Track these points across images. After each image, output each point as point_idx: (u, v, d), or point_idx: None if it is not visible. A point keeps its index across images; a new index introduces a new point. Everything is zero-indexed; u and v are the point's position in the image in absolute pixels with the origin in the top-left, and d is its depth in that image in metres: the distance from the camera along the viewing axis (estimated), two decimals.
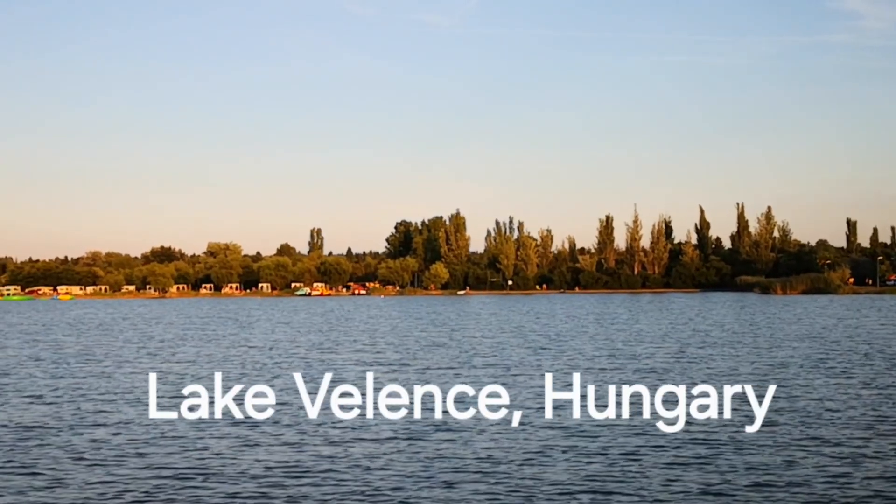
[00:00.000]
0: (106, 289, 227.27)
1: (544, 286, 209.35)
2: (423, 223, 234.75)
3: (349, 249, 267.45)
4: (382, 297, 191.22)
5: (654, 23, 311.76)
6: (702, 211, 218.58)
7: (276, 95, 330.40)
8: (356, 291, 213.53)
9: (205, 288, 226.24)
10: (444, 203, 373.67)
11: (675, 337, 50.34)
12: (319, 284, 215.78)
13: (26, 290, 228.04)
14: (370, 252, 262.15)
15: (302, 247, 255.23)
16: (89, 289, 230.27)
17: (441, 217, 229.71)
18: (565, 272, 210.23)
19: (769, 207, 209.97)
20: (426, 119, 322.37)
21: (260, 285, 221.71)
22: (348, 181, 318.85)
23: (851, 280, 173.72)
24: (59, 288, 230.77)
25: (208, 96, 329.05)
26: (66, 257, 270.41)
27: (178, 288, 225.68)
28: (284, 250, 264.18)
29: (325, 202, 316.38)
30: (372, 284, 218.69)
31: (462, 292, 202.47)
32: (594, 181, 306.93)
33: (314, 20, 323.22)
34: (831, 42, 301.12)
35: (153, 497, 15.11)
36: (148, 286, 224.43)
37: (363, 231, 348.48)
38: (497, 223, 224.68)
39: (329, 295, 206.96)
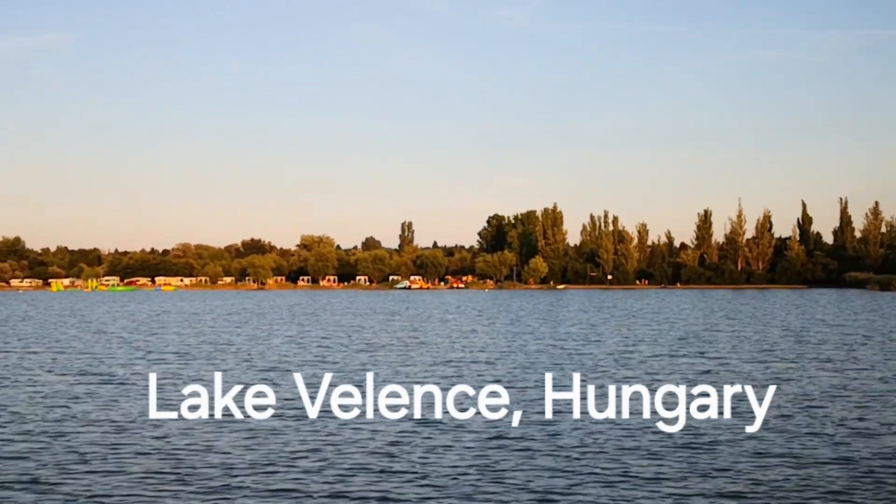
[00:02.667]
0: (206, 280, 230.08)
1: (644, 281, 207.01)
2: (515, 217, 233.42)
3: (434, 243, 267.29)
4: (486, 290, 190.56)
5: (733, 15, 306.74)
6: (804, 205, 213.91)
7: (357, 92, 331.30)
8: (454, 285, 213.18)
9: (302, 280, 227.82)
10: (531, 197, 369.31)
11: None
12: (417, 278, 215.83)
13: (125, 281, 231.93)
14: (456, 245, 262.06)
15: (387, 240, 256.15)
16: (187, 280, 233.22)
17: (534, 211, 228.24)
18: (666, 267, 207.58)
19: (876, 203, 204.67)
20: (508, 114, 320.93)
21: (357, 278, 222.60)
22: (434, 176, 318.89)
23: None
24: (156, 279, 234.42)
25: (290, 93, 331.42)
26: (152, 249, 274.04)
27: (274, 280, 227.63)
28: (370, 244, 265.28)
29: (411, 196, 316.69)
30: (469, 278, 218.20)
31: (561, 287, 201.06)
32: (685, 176, 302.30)
33: (387, 18, 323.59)
34: None
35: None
36: (247, 278, 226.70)
37: (447, 225, 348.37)
38: (592, 217, 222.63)
39: (427, 289, 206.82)
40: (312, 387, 26.59)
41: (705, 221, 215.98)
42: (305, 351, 39.70)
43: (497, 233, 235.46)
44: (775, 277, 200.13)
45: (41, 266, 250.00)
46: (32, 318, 73.92)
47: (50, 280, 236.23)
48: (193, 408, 22.49)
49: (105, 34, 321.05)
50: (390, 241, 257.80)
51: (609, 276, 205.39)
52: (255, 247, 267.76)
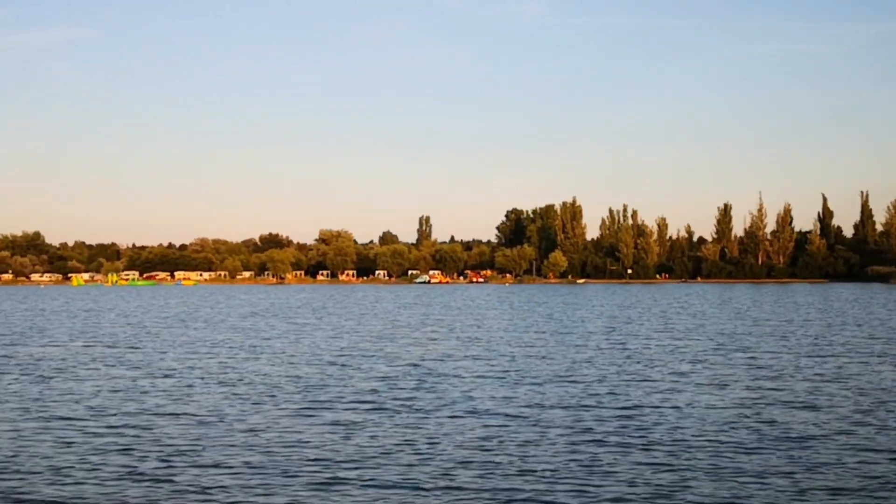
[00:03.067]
0: (225, 275, 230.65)
1: (665, 275, 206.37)
2: (534, 211, 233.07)
3: (452, 237, 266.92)
4: (508, 284, 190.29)
5: (748, 9, 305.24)
6: (824, 199, 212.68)
7: (372, 88, 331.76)
8: (473, 279, 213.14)
9: (321, 275, 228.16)
10: (548, 192, 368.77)
11: None
12: (436, 272, 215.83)
13: (144, 276, 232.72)
14: (473, 240, 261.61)
15: (404, 235, 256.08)
16: (206, 274, 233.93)
17: (553, 205, 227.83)
18: (686, 261, 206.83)
19: None
20: (523, 108, 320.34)
21: (377, 273, 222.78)
22: (451, 170, 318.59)
23: None
24: (175, 274, 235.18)
25: (307, 89, 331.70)
26: (169, 244, 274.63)
27: (293, 274, 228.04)
28: (387, 238, 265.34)
29: (427, 191, 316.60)
30: (488, 273, 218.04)
31: (581, 281, 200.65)
32: (704, 169, 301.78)
33: (401, 13, 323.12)
34: None
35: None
36: (266, 272, 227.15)
37: (465, 219, 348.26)
38: (611, 211, 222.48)
39: (446, 283, 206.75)
40: (388, 379, 26.52)
41: (725, 215, 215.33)
42: (372, 344, 39.61)
43: (516, 227, 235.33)
44: (796, 272, 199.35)
45: (60, 261, 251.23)
46: (68, 313, 74.13)
47: (70, 275, 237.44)
48: (270, 400, 22.45)
49: (124, 30, 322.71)
50: (407, 235, 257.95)
51: (629, 271, 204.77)
52: (273, 241, 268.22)
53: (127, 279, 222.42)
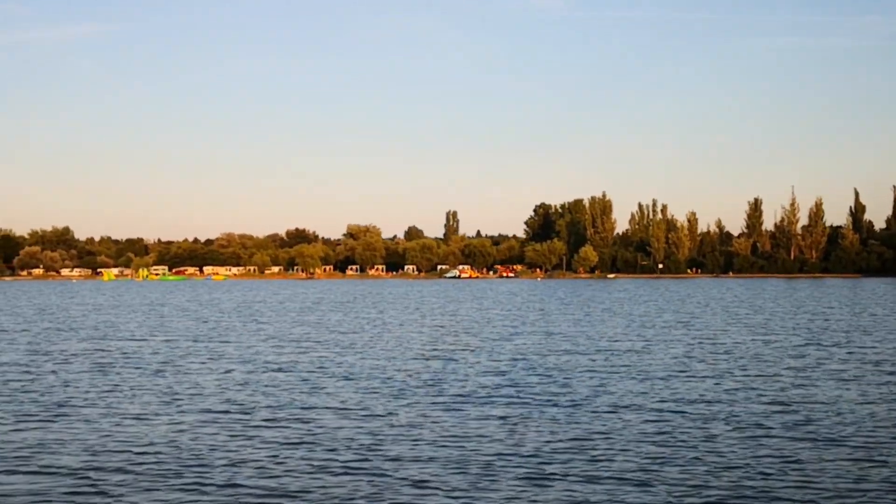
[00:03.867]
0: (254, 270, 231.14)
1: (696, 270, 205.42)
2: (563, 206, 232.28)
3: (478, 232, 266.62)
4: (539, 279, 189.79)
5: (781, 2, 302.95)
6: (856, 194, 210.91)
7: (394, 83, 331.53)
8: (503, 274, 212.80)
9: (351, 269, 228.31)
10: (572, 186, 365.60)
11: None
12: (465, 267, 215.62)
13: (173, 271, 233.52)
14: (499, 235, 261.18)
15: (429, 229, 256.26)
16: (234, 270, 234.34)
17: (581, 200, 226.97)
18: (718, 256, 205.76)
19: None
20: (548, 103, 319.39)
21: (406, 268, 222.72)
22: (476, 165, 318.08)
23: None
24: (205, 269, 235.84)
25: (329, 84, 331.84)
26: (195, 238, 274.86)
27: (322, 269, 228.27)
28: (412, 233, 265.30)
29: (452, 185, 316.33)
30: (518, 267, 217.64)
31: (612, 276, 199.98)
32: (732, 163, 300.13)
33: (427, 8, 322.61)
34: None
35: None
36: (296, 267, 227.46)
37: (490, 214, 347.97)
38: (640, 205, 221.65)
39: (476, 278, 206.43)
40: (505, 373, 26.28)
41: (755, 210, 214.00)
42: (455, 338, 39.48)
43: (544, 221, 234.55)
44: (829, 266, 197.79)
45: (89, 256, 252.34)
46: (124, 308, 74.37)
47: (99, 269, 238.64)
48: (407, 394, 22.29)
49: (147, 25, 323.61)
50: (432, 230, 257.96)
51: (660, 265, 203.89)
52: (300, 236, 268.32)
53: (157, 274, 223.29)
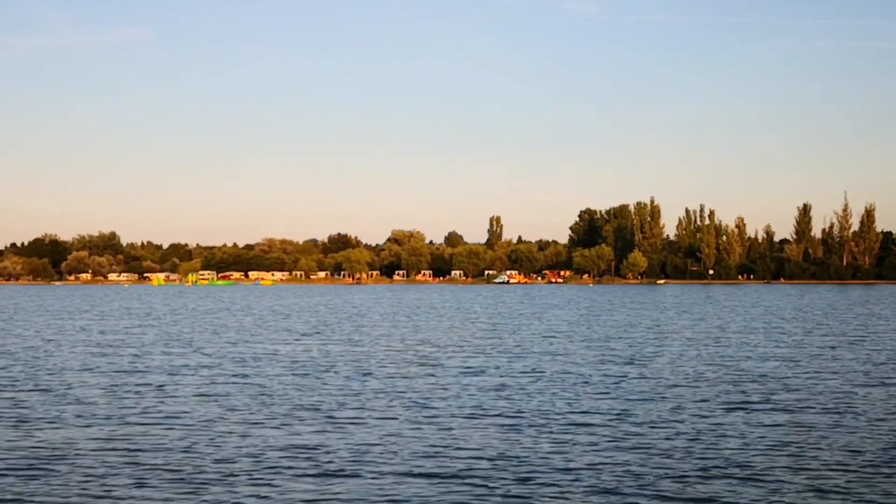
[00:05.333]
0: (300, 275, 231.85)
1: (749, 276, 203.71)
2: (608, 211, 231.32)
3: (519, 237, 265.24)
4: (591, 285, 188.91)
5: (827, 5, 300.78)
6: None
7: (433, 87, 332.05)
8: (552, 280, 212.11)
9: (397, 275, 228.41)
10: (615, 191, 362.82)
11: None
12: (513, 272, 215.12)
13: (219, 276, 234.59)
14: (540, 240, 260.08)
15: (469, 234, 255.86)
16: (279, 274, 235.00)
17: (627, 205, 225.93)
18: (769, 262, 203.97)
19: None
20: (587, 108, 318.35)
21: (453, 273, 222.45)
22: (516, 170, 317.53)
23: None
24: (250, 274, 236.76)
25: (366, 90, 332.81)
26: (234, 244, 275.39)
27: (367, 274, 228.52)
28: (453, 238, 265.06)
29: (491, 191, 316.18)
30: (566, 273, 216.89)
31: (662, 282, 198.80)
32: (779, 168, 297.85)
33: (469, 12, 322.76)
34: None
35: None
36: (343, 272, 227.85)
37: (528, 218, 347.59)
38: (687, 210, 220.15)
39: (524, 283, 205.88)
40: (657, 378, 25.84)
41: (805, 215, 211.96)
42: (588, 347, 39.02)
43: (589, 227, 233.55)
44: (883, 272, 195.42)
45: (135, 261, 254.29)
46: (209, 312, 74.47)
47: (146, 274, 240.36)
48: (601, 395, 21.90)
49: (181, 29, 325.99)
50: (472, 235, 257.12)
51: (710, 271, 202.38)
52: (342, 242, 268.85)
53: (206, 279, 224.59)
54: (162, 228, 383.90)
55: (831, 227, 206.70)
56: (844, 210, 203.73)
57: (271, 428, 17.98)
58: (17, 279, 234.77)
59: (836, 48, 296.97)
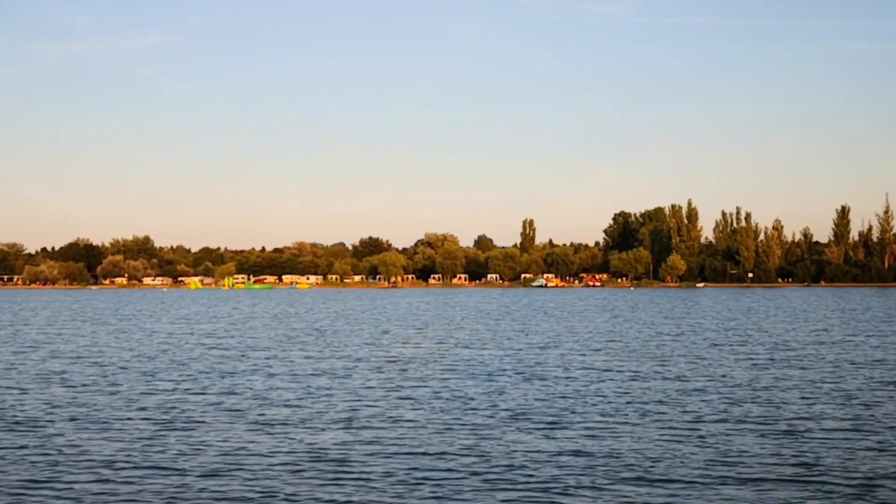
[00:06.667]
0: (336, 278, 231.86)
1: (788, 279, 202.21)
2: (643, 214, 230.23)
3: (550, 240, 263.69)
4: (632, 288, 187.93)
5: (864, 6, 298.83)
6: None
7: (463, 91, 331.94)
8: (589, 283, 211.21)
9: (433, 278, 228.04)
10: (647, 194, 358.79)
11: None
12: (550, 275, 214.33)
13: (253, 280, 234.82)
14: (571, 243, 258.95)
15: (500, 238, 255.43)
16: (313, 278, 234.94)
17: (662, 208, 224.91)
18: (809, 264, 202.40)
19: None
20: (620, 111, 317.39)
21: (489, 276, 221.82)
22: (546, 173, 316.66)
23: None
24: (284, 277, 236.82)
25: (393, 94, 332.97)
26: (262, 247, 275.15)
27: (402, 278, 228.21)
28: (483, 242, 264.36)
29: (521, 194, 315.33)
30: (603, 276, 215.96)
31: (700, 285, 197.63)
32: (816, 171, 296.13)
33: (492, 15, 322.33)
34: None
35: None
36: (378, 276, 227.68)
37: (559, 221, 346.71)
38: (723, 213, 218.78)
39: (562, 287, 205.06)
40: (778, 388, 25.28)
41: (843, 217, 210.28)
42: (697, 361, 38.49)
43: (623, 230, 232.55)
44: None
45: (169, 265, 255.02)
46: (289, 317, 74.30)
47: (181, 278, 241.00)
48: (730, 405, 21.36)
49: (210, 34, 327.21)
50: (502, 238, 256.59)
51: (749, 274, 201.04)
52: (373, 245, 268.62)
53: (243, 283, 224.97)
54: (190, 232, 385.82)
55: (869, 229, 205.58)
56: (886, 212, 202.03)
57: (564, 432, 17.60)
58: (53, 283, 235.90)
59: (873, 49, 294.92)
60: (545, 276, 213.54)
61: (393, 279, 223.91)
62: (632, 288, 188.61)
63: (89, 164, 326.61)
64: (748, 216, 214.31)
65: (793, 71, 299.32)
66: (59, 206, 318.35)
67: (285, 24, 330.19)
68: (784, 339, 43.18)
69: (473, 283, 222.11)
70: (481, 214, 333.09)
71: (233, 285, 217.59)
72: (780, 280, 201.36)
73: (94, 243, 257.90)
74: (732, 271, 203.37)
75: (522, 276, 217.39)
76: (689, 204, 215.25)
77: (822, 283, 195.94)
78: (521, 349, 38.74)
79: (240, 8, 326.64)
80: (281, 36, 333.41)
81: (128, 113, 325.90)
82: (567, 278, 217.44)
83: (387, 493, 13.57)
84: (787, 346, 39.56)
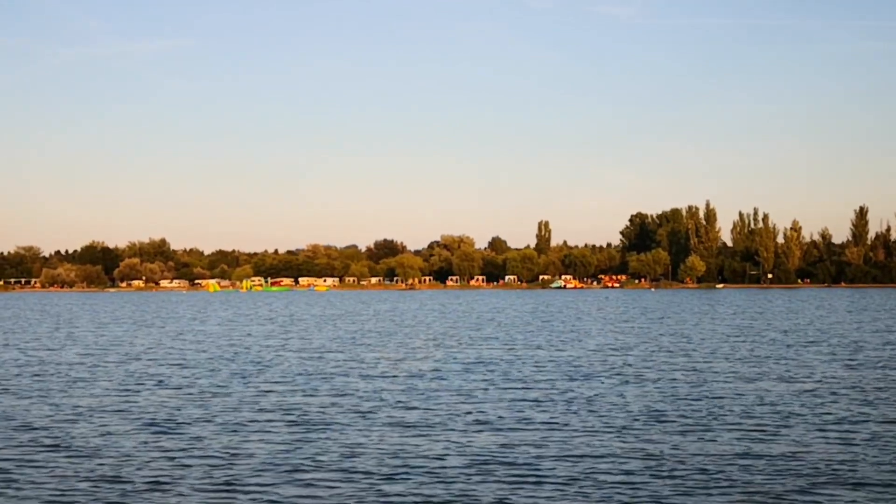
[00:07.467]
0: (354, 280, 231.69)
1: (807, 280, 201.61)
2: (660, 215, 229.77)
3: (565, 242, 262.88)
4: (653, 290, 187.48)
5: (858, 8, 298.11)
6: None
7: (477, 92, 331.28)
8: (608, 284, 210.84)
9: (451, 280, 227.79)
10: (663, 195, 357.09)
11: None
12: (568, 277, 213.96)
13: (270, 282, 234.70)
14: (586, 244, 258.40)
15: (514, 239, 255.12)
16: (330, 280, 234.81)
17: (679, 209, 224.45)
18: (829, 265, 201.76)
19: None
20: (635, 112, 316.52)
21: (507, 278, 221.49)
22: (560, 174, 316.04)
23: None
24: (300, 280, 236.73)
25: (407, 96, 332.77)
26: (275, 250, 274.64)
27: (419, 280, 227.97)
28: (497, 244, 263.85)
29: (534, 195, 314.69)
30: (621, 277, 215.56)
31: (720, 286, 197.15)
32: (829, 171, 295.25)
33: (495, 15, 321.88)
34: None
35: None
36: (395, 278, 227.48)
37: (573, 222, 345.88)
38: (741, 214, 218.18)
39: (581, 288, 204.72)
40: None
41: (861, 218, 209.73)
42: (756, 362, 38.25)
43: (640, 231, 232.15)
44: None
45: (185, 267, 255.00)
46: (328, 319, 74.15)
47: (197, 281, 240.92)
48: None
49: (225, 37, 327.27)
50: (516, 240, 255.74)
51: (769, 275, 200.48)
52: (388, 247, 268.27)
53: (261, 286, 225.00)
54: (204, 235, 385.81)
55: (888, 229, 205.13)
56: None
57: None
58: (70, 286, 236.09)
59: (891, 49, 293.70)
60: (565, 277, 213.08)
61: (410, 281, 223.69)
62: (652, 289, 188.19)
63: (103, 167, 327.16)
64: (766, 217, 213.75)
65: (811, 72, 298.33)
66: (73, 209, 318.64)
67: (297, 28, 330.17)
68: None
69: (491, 284, 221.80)
70: (494, 216, 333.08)
71: (251, 287, 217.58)
72: (799, 281, 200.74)
73: (110, 246, 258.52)
74: (752, 272, 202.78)
75: (540, 277, 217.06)
76: (708, 205, 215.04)
77: (842, 283, 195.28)
78: (597, 350, 38.55)
79: (254, 8, 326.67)
80: (291, 39, 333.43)
81: (141, 116, 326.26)
82: (585, 280, 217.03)
83: (595, 496, 13.37)
84: None
